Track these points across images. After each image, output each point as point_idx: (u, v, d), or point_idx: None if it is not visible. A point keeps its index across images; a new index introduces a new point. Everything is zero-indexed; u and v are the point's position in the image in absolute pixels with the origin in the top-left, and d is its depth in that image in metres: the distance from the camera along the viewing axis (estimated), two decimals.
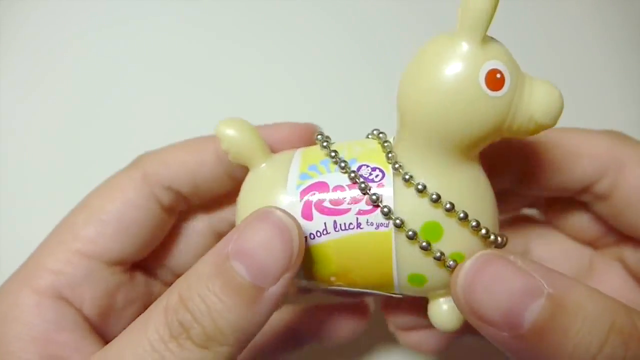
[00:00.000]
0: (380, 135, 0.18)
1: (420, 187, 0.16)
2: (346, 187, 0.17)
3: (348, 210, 0.17)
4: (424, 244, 0.16)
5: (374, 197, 0.16)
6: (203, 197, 0.22)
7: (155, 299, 0.23)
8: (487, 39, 0.15)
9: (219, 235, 0.23)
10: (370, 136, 0.19)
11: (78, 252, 0.19)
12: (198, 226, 0.23)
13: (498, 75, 0.15)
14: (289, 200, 0.17)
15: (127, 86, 0.35)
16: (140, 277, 0.22)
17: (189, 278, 0.16)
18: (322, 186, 0.17)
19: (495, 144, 0.17)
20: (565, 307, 0.14)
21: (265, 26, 0.37)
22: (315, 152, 0.19)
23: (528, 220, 0.25)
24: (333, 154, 0.18)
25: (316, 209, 0.17)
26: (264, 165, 0.19)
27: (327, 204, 0.17)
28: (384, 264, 0.17)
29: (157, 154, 0.21)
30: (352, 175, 0.17)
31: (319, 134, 0.19)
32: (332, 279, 0.18)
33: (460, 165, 0.16)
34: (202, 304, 0.15)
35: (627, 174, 0.20)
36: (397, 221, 0.16)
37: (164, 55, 0.36)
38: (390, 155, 0.17)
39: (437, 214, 0.16)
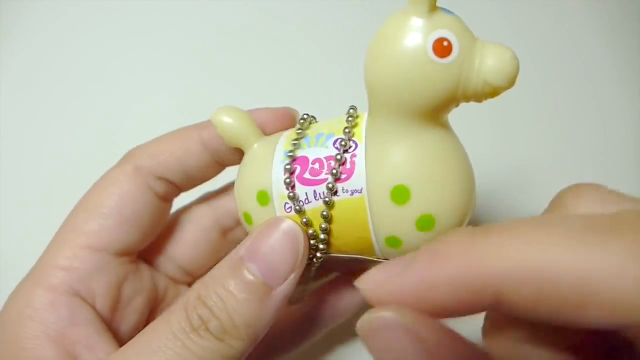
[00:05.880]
0: (351, 110, 0.19)
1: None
2: (323, 159, 0.18)
3: (325, 180, 0.18)
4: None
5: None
6: (194, 183, 0.24)
7: (161, 292, 0.24)
8: (437, 11, 0.16)
9: (218, 224, 0.24)
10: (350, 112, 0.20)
11: (85, 247, 0.20)
12: (198, 216, 0.24)
13: (445, 43, 0.15)
14: (276, 176, 0.19)
15: (126, 85, 0.35)
16: (144, 269, 0.23)
17: (206, 280, 0.18)
18: (303, 160, 0.19)
19: None
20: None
21: (256, 18, 0.37)
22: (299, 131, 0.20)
23: None
24: (299, 131, 0.19)
25: (298, 181, 0.18)
26: (256, 145, 0.20)
27: (307, 176, 0.18)
28: (361, 227, 0.18)
29: (146, 147, 0.22)
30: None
31: (304, 114, 0.21)
32: (321, 246, 0.19)
33: (428, 130, 0.17)
34: (220, 300, 0.17)
35: None
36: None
37: (161, 52, 0.36)
38: (347, 130, 0.18)
39: (404, 178, 0.17)
